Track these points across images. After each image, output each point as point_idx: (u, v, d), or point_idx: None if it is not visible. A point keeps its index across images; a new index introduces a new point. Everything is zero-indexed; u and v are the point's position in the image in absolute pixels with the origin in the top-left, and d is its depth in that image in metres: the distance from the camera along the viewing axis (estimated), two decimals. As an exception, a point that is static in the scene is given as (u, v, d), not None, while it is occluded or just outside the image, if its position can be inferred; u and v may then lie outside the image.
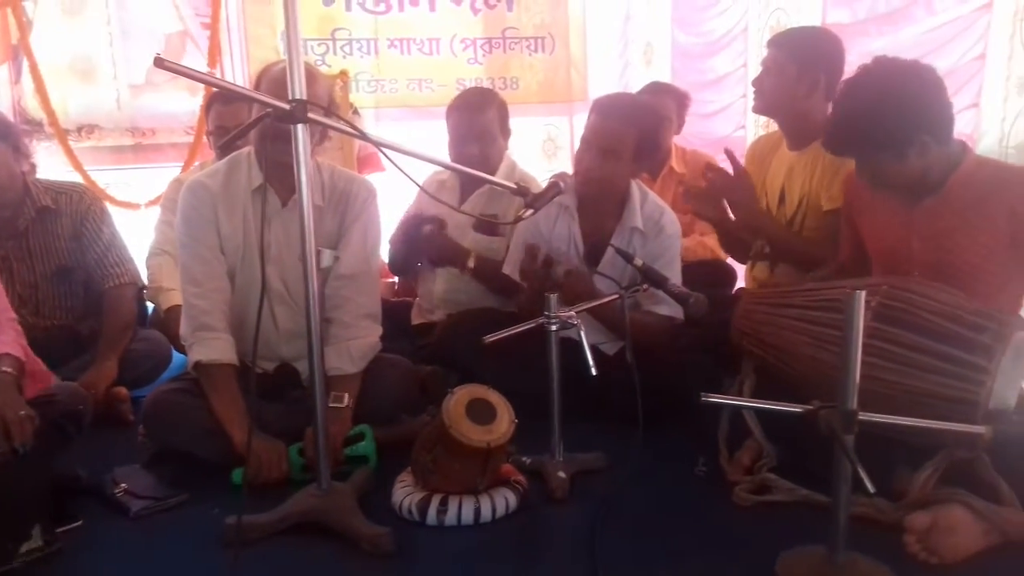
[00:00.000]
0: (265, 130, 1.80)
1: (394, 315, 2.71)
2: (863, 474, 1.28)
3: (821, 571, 1.45)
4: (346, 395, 1.99)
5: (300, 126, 1.60)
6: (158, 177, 4.05)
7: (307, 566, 1.60)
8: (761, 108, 2.36)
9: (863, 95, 1.75)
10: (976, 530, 1.52)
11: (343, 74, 3.80)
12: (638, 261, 2.01)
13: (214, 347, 2.00)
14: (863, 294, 1.35)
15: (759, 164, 2.45)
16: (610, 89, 4.47)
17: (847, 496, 1.42)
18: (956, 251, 1.78)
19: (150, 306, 2.90)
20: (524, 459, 1.91)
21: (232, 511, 1.69)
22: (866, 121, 1.72)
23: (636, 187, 2.34)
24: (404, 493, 1.77)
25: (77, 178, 3.81)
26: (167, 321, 2.74)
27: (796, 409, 1.44)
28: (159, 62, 1.47)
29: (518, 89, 4.49)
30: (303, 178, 1.63)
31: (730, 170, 2.35)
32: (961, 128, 2.35)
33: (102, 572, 1.61)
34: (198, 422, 1.96)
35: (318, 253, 1.71)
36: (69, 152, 3.99)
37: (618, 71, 4.72)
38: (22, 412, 1.58)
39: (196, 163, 3.90)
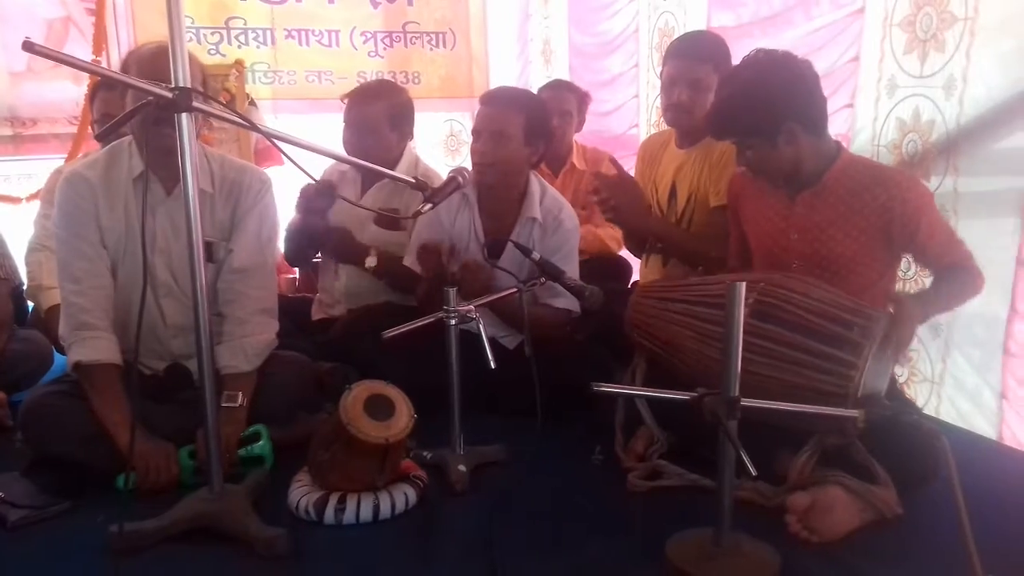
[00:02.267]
0: (146, 115, 1.69)
1: (293, 311, 2.63)
2: (746, 459, 1.32)
3: (707, 552, 1.48)
4: (240, 394, 1.90)
5: (184, 115, 1.51)
6: (39, 169, 3.77)
7: (196, 573, 1.52)
8: (685, 120, 2.32)
9: (739, 82, 1.82)
10: (852, 508, 1.59)
11: (238, 64, 3.64)
12: (536, 255, 2.01)
13: (95, 347, 1.87)
14: (743, 285, 1.38)
15: (650, 162, 2.50)
16: (512, 84, 4.47)
17: (731, 480, 1.46)
18: (831, 244, 1.86)
19: (30, 305, 2.70)
20: (425, 454, 1.88)
21: (117, 519, 1.59)
22: (739, 105, 1.78)
23: (536, 181, 2.34)
24: (301, 493, 1.70)
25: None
26: (48, 320, 2.56)
27: (683, 397, 1.46)
28: (28, 46, 1.35)
29: (420, 84, 4.42)
30: (188, 168, 1.55)
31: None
32: (837, 128, 2.46)
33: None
34: (79, 426, 1.82)
35: (209, 245, 1.62)
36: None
37: (518, 68, 4.72)
38: None
39: (81, 155, 3.66)
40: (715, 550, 1.47)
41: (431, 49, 4.50)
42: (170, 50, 1.47)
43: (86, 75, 3.76)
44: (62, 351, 2.46)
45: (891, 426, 1.51)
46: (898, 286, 2.12)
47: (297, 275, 3.25)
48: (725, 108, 1.82)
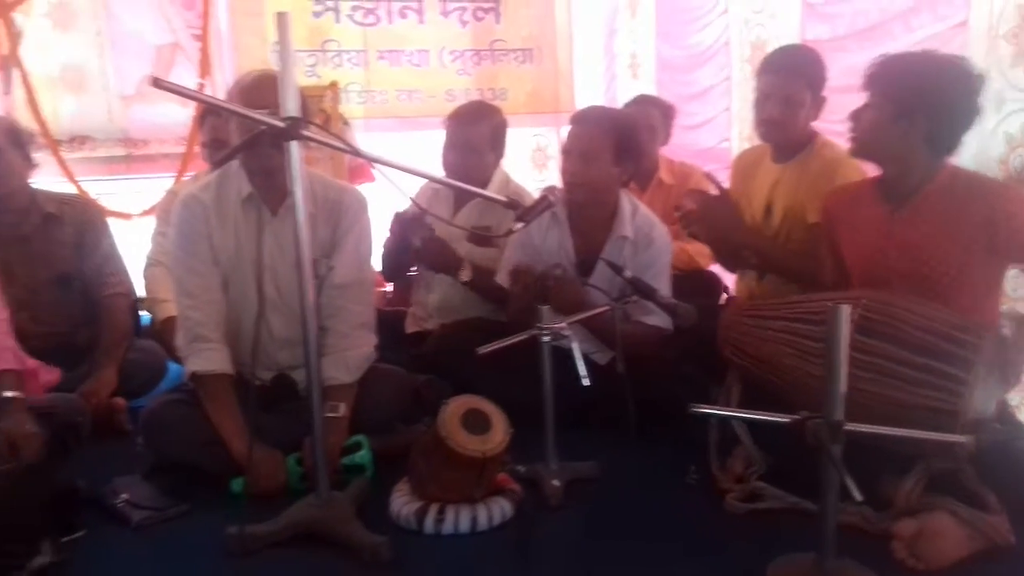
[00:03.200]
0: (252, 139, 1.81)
1: (387, 324, 2.72)
2: (850, 483, 1.31)
3: (811, 577, 1.47)
4: (342, 405, 1.99)
5: (294, 143, 1.61)
6: (150, 188, 4.04)
7: (308, 573, 1.60)
8: (777, 135, 2.32)
9: (926, 54, 1.84)
10: (961, 536, 1.55)
11: (333, 85, 3.81)
12: (627, 273, 2.03)
13: (210, 358, 2.00)
14: (848, 307, 1.37)
15: (744, 177, 2.49)
16: (596, 101, 4.50)
17: (835, 504, 1.45)
18: (932, 262, 1.82)
19: (145, 317, 2.89)
20: (519, 468, 1.92)
21: (232, 521, 1.70)
22: (904, 64, 1.79)
23: (626, 199, 2.37)
24: (402, 502, 1.78)
25: (70, 189, 3.79)
26: (162, 332, 2.75)
27: (783, 419, 1.46)
28: (155, 81, 1.48)
29: (506, 100, 4.52)
30: (297, 192, 1.65)
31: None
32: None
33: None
34: (196, 433, 1.95)
35: (315, 262, 1.72)
36: (61, 163, 3.96)
37: (604, 83, 4.75)
38: (28, 429, 1.57)
39: (189, 174, 3.90)
40: (819, 575, 1.46)
41: (518, 65, 4.60)
42: (280, 80, 1.58)
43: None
44: (176, 361, 2.65)
45: (1003, 451, 1.47)
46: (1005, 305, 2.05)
47: (390, 289, 3.36)
48: (893, 59, 1.81)
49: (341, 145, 1.77)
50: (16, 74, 3.96)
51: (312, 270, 1.71)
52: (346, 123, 3.92)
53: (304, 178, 1.84)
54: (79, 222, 2.57)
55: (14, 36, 3.94)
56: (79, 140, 4.03)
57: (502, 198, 1.98)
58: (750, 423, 1.85)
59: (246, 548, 1.62)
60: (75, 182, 3.94)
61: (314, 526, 1.67)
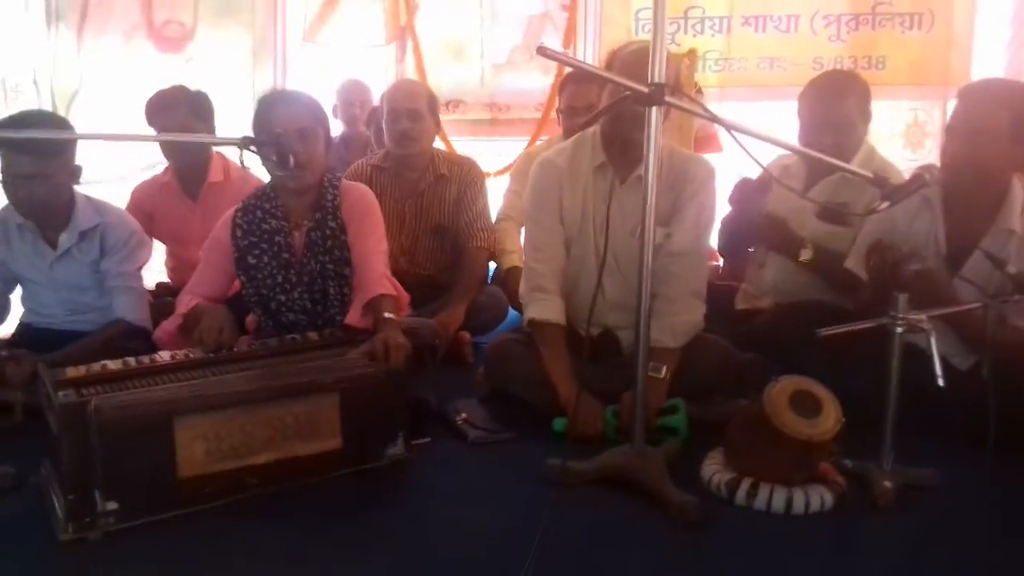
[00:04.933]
0: (621, 111, 1.96)
1: (716, 299, 2.74)
2: None
3: None
4: (664, 367, 2.09)
5: (654, 108, 1.71)
6: (507, 149, 4.49)
7: (616, 517, 1.73)
8: None
9: None
10: None
11: (691, 53, 3.85)
12: (1011, 268, 1.83)
13: (547, 307, 2.23)
14: None
15: None
16: (996, 74, 3.97)
17: None
18: None
19: (492, 265, 3.27)
20: (846, 462, 1.85)
21: (551, 454, 1.90)
22: None
23: (1020, 186, 2.10)
24: (714, 469, 1.83)
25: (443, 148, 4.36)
26: (506, 280, 3.09)
27: None
28: (540, 50, 1.70)
29: (884, 69, 4.18)
30: (651, 158, 1.76)
31: None
32: None
33: (445, 484, 1.91)
34: (530, 372, 2.20)
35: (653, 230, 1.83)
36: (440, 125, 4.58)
37: (1007, 56, 4.16)
38: (400, 340, 1.92)
39: (543, 138, 4.27)
40: None
41: (903, 32, 4.21)
42: (651, 47, 1.69)
43: (554, 67, 4.39)
44: (515, 308, 2.98)
45: None
46: None
47: (720, 263, 3.36)
48: None
49: (703, 112, 1.84)
50: (409, 44, 4.65)
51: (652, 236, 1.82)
52: (699, 91, 3.96)
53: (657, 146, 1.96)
54: (463, 181, 3.01)
55: (412, 9, 4.62)
56: (453, 104, 4.61)
57: (867, 173, 1.89)
58: None
59: (564, 479, 1.81)
60: (447, 141, 4.53)
61: (626, 473, 1.80)
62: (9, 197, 2.28)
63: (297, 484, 1.79)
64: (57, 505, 1.62)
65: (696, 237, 2.21)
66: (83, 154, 2.35)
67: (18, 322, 2.55)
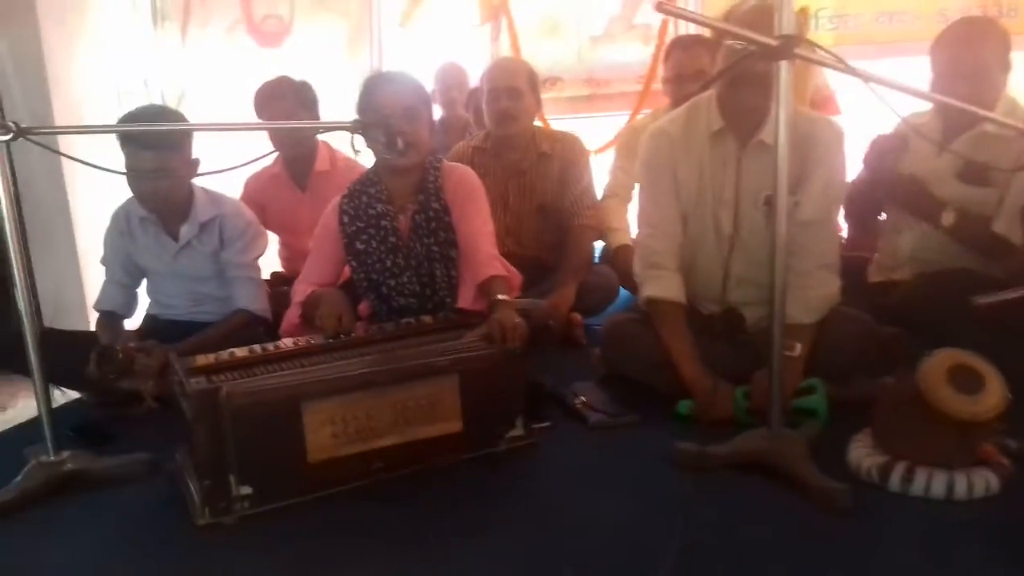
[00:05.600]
0: (741, 72, 1.86)
1: (845, 272, 2.60)
2: None
3: None
4: (798, 345, 1.98)
5: (784, 63, 1.61)
6: (606, 125, 4.40)
7: (757, 504, 1.65)
8: None
9: None
10: None
11: (803, 11, 3.66)
12: None
13: (666, 285, 2.14)
14: None
15: None
16: None
17: None
18: None
19: (599, 244, 3.19)
20: (1011, 442, 1.71)
21: (677, 439, 1.84)
22: None
23: None
24: (863, 453, 1.71)
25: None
26: (616, 258, 3.02)
27: None
28: (659, 6, 1.60)
29: (1016, 18, 3.86)
30: (782, 118, 1.65)
31: None
32: None
33: (570, 469, 1.87)
34: (650, 354, 2.12)
35: (770, 199, 1.72)
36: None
37: None
38: (517, 321, 1.88)
39: (645, 111, 4.15)
40: None
41: (1036, -23, 3.89)
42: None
43: (655, 37, 4.26)
44: (626, 287, 2.91)
45: None
46: None
47: (844, 233, 3.19)
48: None
49: (837, 64, 1.71)
50: (504, 23, 4.60)
51: (769, 206, 1.71)
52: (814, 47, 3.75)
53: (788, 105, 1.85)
54: (565, 159, 2.95)
55: (505, -12, 4.57)
56: (551, 81, 4.54)
57: (1018, 123, 1.73)
58: None
59: (698, 464, 1.73)
60: (544, 120, 4.47)
61: (765, 458, 1.70)
62: (134, 192, 2.36)
63: (420, 468, 1.79)
64: (193, 490, 1.66)
65: (826, 205, 2.08)
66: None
67: (145, 315, 2.65)
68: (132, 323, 2.65)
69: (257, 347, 1.90)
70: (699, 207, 2.16)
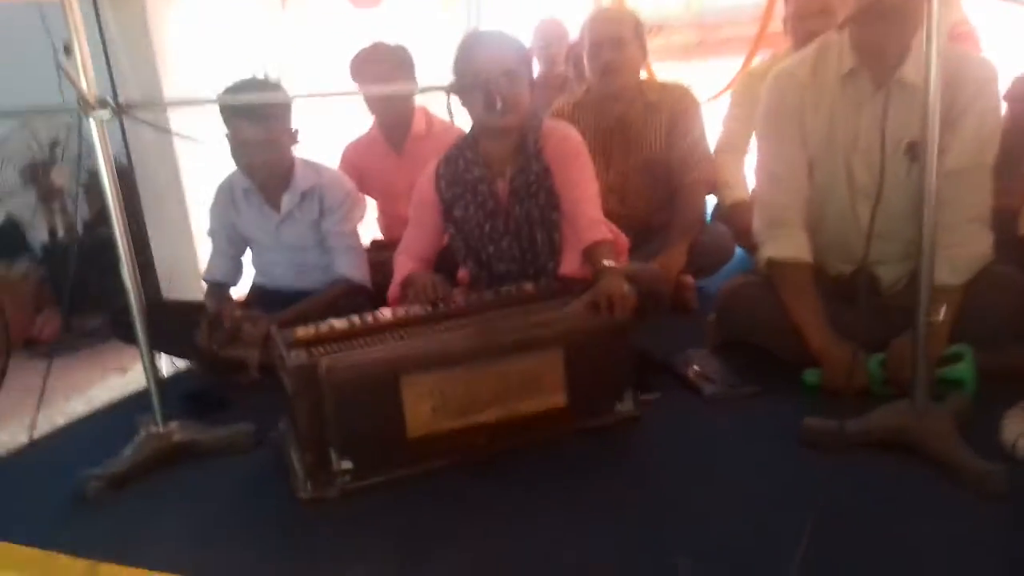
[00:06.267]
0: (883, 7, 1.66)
1: (993, 222, 2.34)
2: None
3: None
4: (943, 309, 1.78)
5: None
6: (718, 71, 4.15)
7: (898, 486, 1.50)
8: None
9: None
10: None
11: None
12: None
13: (789, 244, 1.98)
14: None
15: None
16: None
17: None
18: None
19: (711, 200, 3.01)
20: None
21: (805, 412, 1.70)
22: None
23: None
24: (1019, 431, 1.52)
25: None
26: (731, 215, 2.83)
27: None
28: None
29: None
30: (933, 53, 1.46)
31: None
32: None
33: (684, 445, 1.76)
34: (772, 319, 1.97)
35: (913, 145, 1.55)
36: (643, 51, 4.30)
37: None
38: (625, 289, 1.77)
39: (762, 55, 3.88)
40: None
41: None
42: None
43: (771, -26, 3.97)
44: (742, 245, 2.73)
45: None
46: None
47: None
48: None
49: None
50: (607, -32, 4.41)
51: (912, 153, 1.53)
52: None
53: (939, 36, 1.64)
54: (674, 110, 2.78)
55: (607, -68, 4.36)
56: (657, 28, 4.32)
57: None
58: None
59: (830, 442, 1.58)
60: (650, 70, 4.26)
61: (907, 435, 1.54)
62: (238, 164, 2.37)
63: (524, 443, 1.72)
64: (296, 464, 1.65)
65: (978, 151, 1.85)
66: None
67: (251, 284, 2.69)
68: (239, 292, 2.70)
69: (356, 318, 1.86)
70: (828, 156, 1.97)
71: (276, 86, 2.42)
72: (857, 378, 1.81)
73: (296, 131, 2.36)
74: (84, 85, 1.70)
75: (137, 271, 1.82)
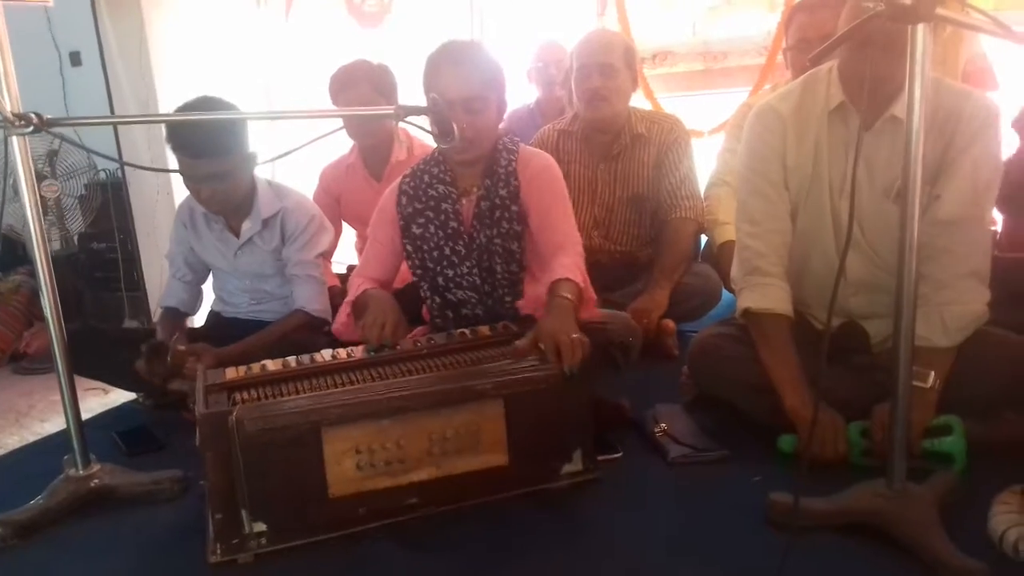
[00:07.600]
0: (869, 36, 1.52)
1: (997, 277, 2.17)
2: None
3: None
4: (932, 373, 1.64)
5: (921, 26, 1.31)
6: (724, 102, 4.00)
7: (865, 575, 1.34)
8: None
9: None
10: None
11: (954, -34, 3.16)
12: None
13: (767, 294, 1.83)
14: None
15: None
16: None
17: None
18: None
19: (702, 239, 2.87)
20: None
21: (775, 483, 1.55)
22: None
23: None
24: (1008, 521, 1.36)
25: (648, 106, 3.98)
26: (720, 256, 2.69)
27: None
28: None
29: None
30: (917, 91, 1.35)
31: None
32: None
33: (635, 516, 1.60)
34: (745, 375, 1.82)
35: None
36: (643, 80, 4.18)
37: None
38: (575, 336, 1.61)
39: (766, 86, 3.74)
40: None
41: None
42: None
43: (781, 4, 3.84)
44: (731, 289, 2.58)
45: None
46: None
47: (998, 228, 2.72)
48: None
49: (994, 28, 1.35)
50: (611, -5, 4.28)
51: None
52: (964, 7, 3.24)
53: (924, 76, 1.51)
54: (662, 142, 2.67)
55: (614, -45, 4.24)
56: (660, 56, 4.19)
57: None
58: None
59: (791, 522, 1.42)
60: (653, 99, 4.14)
61: (881, 519, 1.39)
62: (195, 198, 2.26)
63: (460, 506, 1.59)
64: (209, 523, 1.52)
65: (973, 200, 1.70)
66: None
67: (208, 311, 2.58)
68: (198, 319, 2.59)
69: (293, 360, 1.73)
70: (813, 198, 1.83)
71: (229, 106, 2.22)
72: (835, 447, 1.66)
73: (254, 154, 2.23)
74: (6, 102, 1.61)
75: (57, 299, 1.71)
